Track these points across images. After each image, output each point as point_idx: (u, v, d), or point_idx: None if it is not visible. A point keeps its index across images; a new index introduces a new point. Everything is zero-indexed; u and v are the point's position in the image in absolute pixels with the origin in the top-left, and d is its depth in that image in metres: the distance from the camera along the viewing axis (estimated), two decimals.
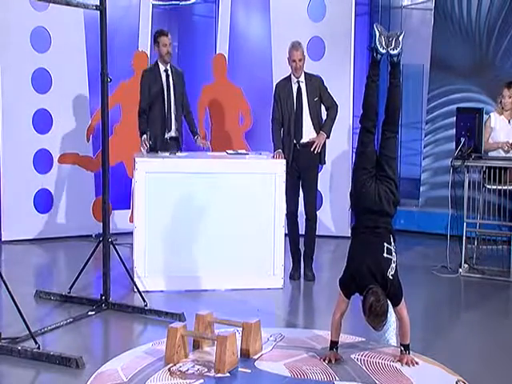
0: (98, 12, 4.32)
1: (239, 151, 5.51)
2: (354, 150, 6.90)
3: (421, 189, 7.05)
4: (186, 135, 5.68)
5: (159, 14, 7.34)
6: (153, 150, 5.15)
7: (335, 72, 6.34)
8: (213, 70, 7.00)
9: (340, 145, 6.61)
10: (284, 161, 4.99)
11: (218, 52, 7.11)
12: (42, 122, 6.31)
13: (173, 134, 5.37)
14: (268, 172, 4.95)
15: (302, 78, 5.15)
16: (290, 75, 5.17)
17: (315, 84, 5.16)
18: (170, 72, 5.35)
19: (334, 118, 5.23)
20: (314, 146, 5.09)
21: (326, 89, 5.20)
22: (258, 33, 7.27)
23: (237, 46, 7.17)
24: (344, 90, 6.52)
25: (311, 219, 5.21)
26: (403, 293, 3.50)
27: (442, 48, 6.83)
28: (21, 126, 6.20)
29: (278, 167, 4.94)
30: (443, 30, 6.86)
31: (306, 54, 5.25)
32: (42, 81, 6.27)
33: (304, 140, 5.13)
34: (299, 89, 5.14)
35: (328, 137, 5.17)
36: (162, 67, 5.34)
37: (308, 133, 5.16)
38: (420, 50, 7.05)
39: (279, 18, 6.73)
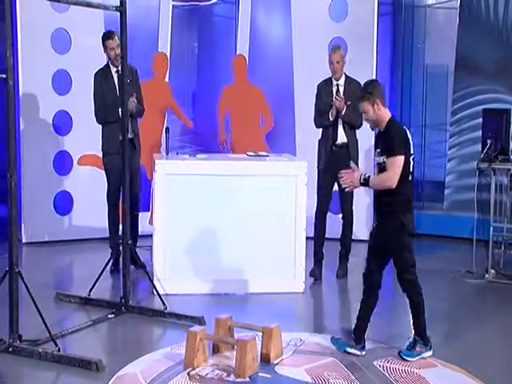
0: (118, 13, 4.37)
1: (260, 153, 5.52)
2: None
3: (445, 192, 6.99)
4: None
5: (179, 15, 7.38)
6: (113, 153, 5.16)
7: (357, 73, 6.26)
8: (233, 70, 7.02)
9: (362, 146, 6.58)
10: (305, 163, 5.01)
11: (238, 53, 7.13)
12: (62, 123, 6.39)
13: (128, 135, 5.12)
14: (289, 174, 4.96)
15: (342, 81, 5.30)
16: (331, 77, 5.30)
17: (353, 88, 5.24)
18: (120, 72, 5.11)
19: (355, 122, 5.26)
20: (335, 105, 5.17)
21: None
22: (279, 33, 7.28)
23: (257, 47, 7.18)
24: None
25: (347, 219, 5.36)
26: (398, 150, 3.50)
27: (467, 47, 6.78)
28: (41, 128, 6.28)
29: (299, 169, 4.95)
30: (469, 29, 6.81)
31: (343, 53, 5.34)
32: (62, 82, 6.34)
33: (339, 141, 5.27)
34: (338, 92, 5.27)
35: (341, 113, 5.19)
36: (113, 68, 5.27)
37: (343, 135, 5.31)
38: (444, 50, 7.00)
39: (300, 18, 6.73)
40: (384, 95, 3.64)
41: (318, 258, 5.32)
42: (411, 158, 3.58)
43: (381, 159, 3.60)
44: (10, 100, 3.58)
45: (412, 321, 3.69)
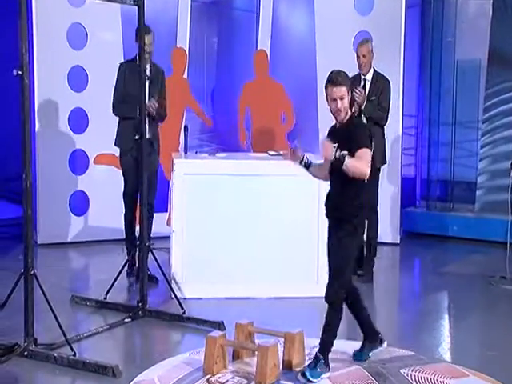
0: (136, 7, 4.40)
1: (281, 152, 5.51)
2: (404, 151, 6.88)
3: (477, 193, 6.93)
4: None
5: (198, 9, 7.42)
6: (128, 153, 5.10)
7: (384, 69, 6.25)
8: (254, 66, 7.03)
9: (389, 145, 6.55)
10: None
11: (259, 48, 7.14)
12: (78, 121, 6.45)
13: (147, 135, 5.00)
14: None
15: (369, 76, 5.35)
16: (360, 73, 5.37)
17: (379, 84, 5.32)
18: (148, 71, 5.08)
19: (378, 116, 5.30)
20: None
21: (388, 93, 5.34)
22: (302, 27, 7.28)
23: (279, 42, 7.19)
24: (393, 87, 6.42)
25: (371, 219, 5.31)
26: (368, 144, 3.32)
27: (501, 41, 6.71)
28: (56, 126, 6.35)
29: None
30: (503, 21, 6.74)
31: (371, 48, 5.39)
32: (78, 79, 6.40)
33: None
34: (364, 87, 5.32)
35: (364, 108, 5.20)
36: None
37: None
38: (476, 44, 6.94)
39: (324, 11, 6.71)
40: None
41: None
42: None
43: (339, 153, 3.30)
44: (26, 98, 3.62)
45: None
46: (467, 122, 7.13)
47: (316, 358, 3.47)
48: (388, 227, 6.58)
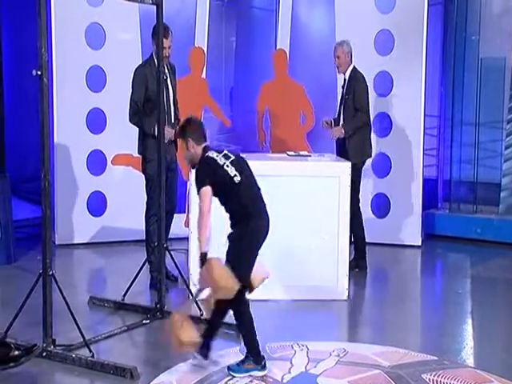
0: (155, 6, 4.43)
1: (300, 153, 5.53)
2: (426, 152, 6.84)
3: (501, 194, 6.86)
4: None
5: (217, 7, 7.45)
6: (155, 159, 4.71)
7: (405, 68, 6.27)
8: (273, 66, 7.04)
9: (410, 145, 6.53)
10: (349, 163, 5.00)
11: (278, 47, 7.14)
12: (96, 121, 6.50)
13: (172, 137, 5.03)
14: (331, 175, 4.94)
15: (347, 75, 5.57)
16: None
17: (352, 82, 5.51)
18: (166, 69, 4.98)
19: (358, 122, 5.49)
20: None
21: (361, 88, 5.49)
22: (322, 26, 7.26)
23: (299, 41, 7.19)
24: (415, 87, 6.43)
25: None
26: (199, 184, 3.61)
27: None
28: (75, 126, 6.39)
29: (342, 170, 4.93)
30: None
31: (346, 50, 5.57)
32: (96, 79, 6.45)
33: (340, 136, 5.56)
34: (343, 86, 5.61)
35: (347, 134, 5.46)
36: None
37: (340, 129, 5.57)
38: (501, 42, 6.88)
39: (344, 9, 6.70)
40: (199, 131, 3.71)
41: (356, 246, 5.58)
42: (230, 171, 3.67)
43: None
44: (44, 98, 3.66)
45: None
46: (491, 122, 7.06)
47: (244, 357, 3.58)
48: (409, 229, 6.55)
